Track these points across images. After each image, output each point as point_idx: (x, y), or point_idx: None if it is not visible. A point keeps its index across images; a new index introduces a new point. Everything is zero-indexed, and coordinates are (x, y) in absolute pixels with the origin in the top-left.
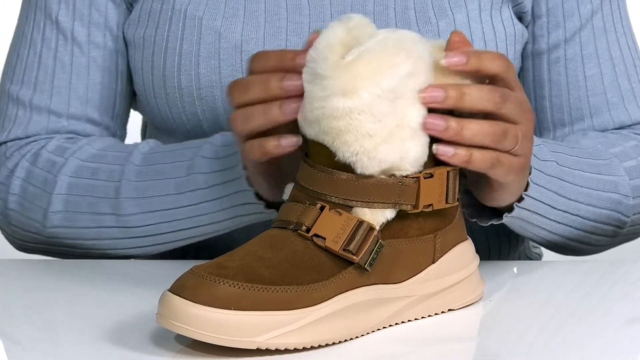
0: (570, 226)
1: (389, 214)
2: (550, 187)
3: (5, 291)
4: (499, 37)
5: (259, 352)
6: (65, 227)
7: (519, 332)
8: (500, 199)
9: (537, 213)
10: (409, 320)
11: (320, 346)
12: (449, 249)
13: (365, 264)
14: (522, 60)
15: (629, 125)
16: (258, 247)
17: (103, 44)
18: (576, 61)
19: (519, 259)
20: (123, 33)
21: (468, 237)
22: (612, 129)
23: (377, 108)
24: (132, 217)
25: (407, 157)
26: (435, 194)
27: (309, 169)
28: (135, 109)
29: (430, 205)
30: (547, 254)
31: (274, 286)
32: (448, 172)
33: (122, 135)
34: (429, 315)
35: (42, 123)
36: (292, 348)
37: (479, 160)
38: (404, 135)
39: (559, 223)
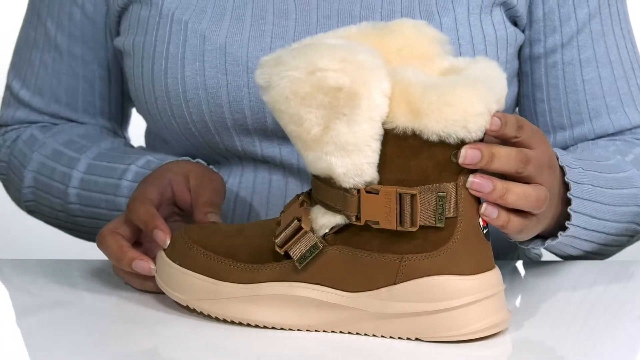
0: (594, 242)
1: (335, 219)
2: (585, 211)
3: (5, 291)
4: (488, 40)
5: (188, 309)
6: (38, 214)
7: (518, 331)
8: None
9: (572, 236)
10: (377, 334)
11: (241, 324)
12: (422, 276)
13: (296, 261)
14: (521, 64)
15: (629, 129)
16: (255, 224)
17: (80, 55)
18: (574, 65)
19: (518, 259)
20: (115, 44)
21: (470, 273)
22: (612, 133)
23: (292, 110)
24: (78, 219)
25: (335, 171)
26: (380, 212)
27: None
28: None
29: (377, 222)
30: (546, 254)
31: (216, 255)
32: (401, 194)
33: (115, 126)
34: (391, 337)
35: (25, 114)
36: (214, 316)
37: (513, 226)
38: (327, 149)
39: (586, 241)
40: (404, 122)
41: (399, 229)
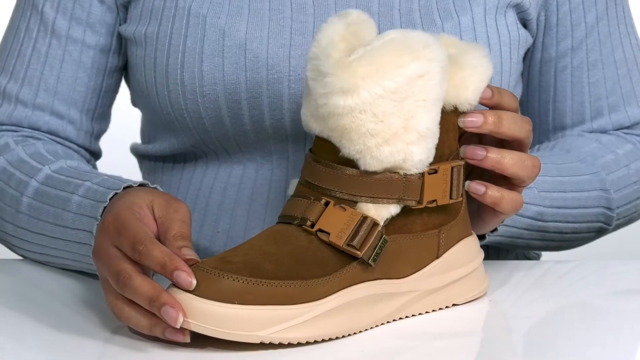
0: (551, 240)
1: (393, 209)
2: (525, 213)
3: (5, 291)
4: (503, 41)
5: (262, 345)
6: None
7: (518, 331)
8: (486, 230)
9: (511, 237)
10: (412, 315)
11: (323, 340)
12: (453, 244)
13: (369, 259)
14: (529, 68)
15: (627, 127)
16: (262, 242)
17: (81, 40)
18: (582, 69)
19: (517, 258)
20: (122, 31)
21: (472, 232)
22: (610, 130)
23: (379, 108)
24: (24, 232)
25: (412, 159)
26: (439, 189)
27: (314, 164)
28: (135, 105)
29: (434, 201)
30: (546, 255)
31: (277, 281)
32: (452, 167)
33: (98, 129)
34: (433, 310)
35: (8, 111)
36: (296, 342)
37: (507, 204)
38: (409, 138)
39: (538, 240)
40: (449, 98)
41: (450, 202)
